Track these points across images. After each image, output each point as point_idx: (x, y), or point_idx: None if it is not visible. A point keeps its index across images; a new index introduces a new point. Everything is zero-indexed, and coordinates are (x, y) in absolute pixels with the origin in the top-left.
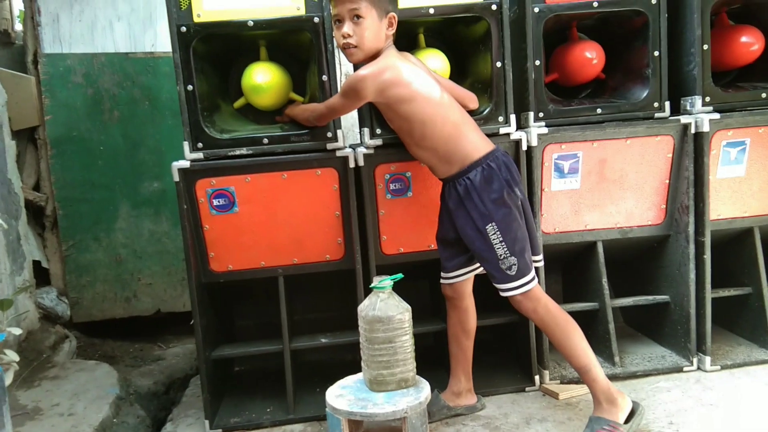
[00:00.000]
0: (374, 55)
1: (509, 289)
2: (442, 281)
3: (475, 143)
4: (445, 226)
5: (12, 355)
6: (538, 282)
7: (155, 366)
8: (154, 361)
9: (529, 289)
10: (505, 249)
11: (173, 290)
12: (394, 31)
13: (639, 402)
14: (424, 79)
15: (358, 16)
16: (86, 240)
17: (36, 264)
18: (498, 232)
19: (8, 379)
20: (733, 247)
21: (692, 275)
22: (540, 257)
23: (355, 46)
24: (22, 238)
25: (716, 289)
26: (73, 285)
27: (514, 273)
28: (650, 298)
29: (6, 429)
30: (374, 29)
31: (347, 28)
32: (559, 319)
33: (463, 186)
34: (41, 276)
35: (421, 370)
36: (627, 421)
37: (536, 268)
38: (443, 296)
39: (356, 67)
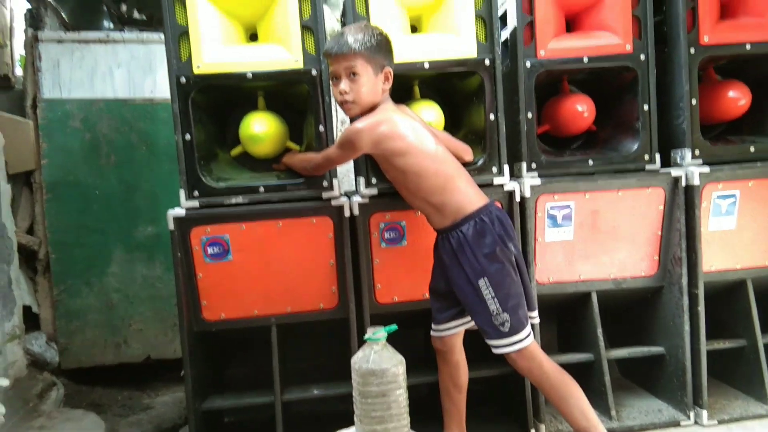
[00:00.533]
0: (371, 109)
1: (502, 346)
2: (432, 333)
3: (468, 197)
4: (438, 278)
5: None
6: (534, 338)
7: (144, 415)
8: (142, 410)
9: (523, 347)
10: (498, 305)
11: (164, 336)
12: (390, 85)
13: None
14: (419, 132)
15: (354, 74)
16: (78, 285)
17: (26, 308)
18: (490, 288)
19: None
20: (727, 299)
21: (687, 327)
22: (535, 313)
23: (353, 102)
24: (14, 283)
25: (711, 341)
26: (62, 330)
27: (507, 330)
28: (645, 349)
29: None
30: (370, 85)
31: (344, 84)
32: (554, 380)
33: (456, 239)
34: (31, 321)
35: (414, 423)
36: None
37: (532, 324)
38: None
39: (353, 119)
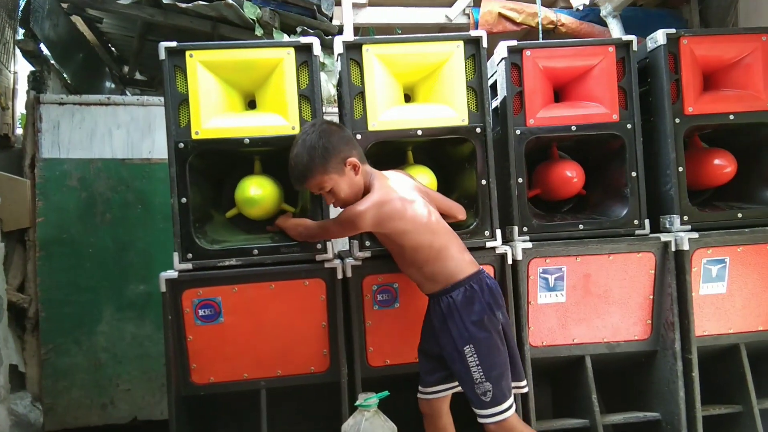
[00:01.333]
0: (357, 195)
1: (483, 416)
2: (419, 396)
3: (459, 264)
4: (428, 340)
5: None
6: (517, 407)
7: None
8: None
9: (503, 419)
10: (481, 374)
11: (151, 397)
12: (362, 167)
13: None
14: (415, 205)
15: (323, 188)
16: (67, 343)
17: (12, 367)
18: (475, 355)
19: None
20: (721, 364)
21: (682, 393)
22: (523, 383)
23: (342, 204)
24: (1, 342)
25: (707, 406)
26: (48, 390)
27: (488, 399)
28: (641, 415)
29: None
30: (345, 185)
31: (326, 198)
32: None
33: (446, 303)
34: (16, 380)
35: None
36: None
37: (521, 394)
38: None
39: None
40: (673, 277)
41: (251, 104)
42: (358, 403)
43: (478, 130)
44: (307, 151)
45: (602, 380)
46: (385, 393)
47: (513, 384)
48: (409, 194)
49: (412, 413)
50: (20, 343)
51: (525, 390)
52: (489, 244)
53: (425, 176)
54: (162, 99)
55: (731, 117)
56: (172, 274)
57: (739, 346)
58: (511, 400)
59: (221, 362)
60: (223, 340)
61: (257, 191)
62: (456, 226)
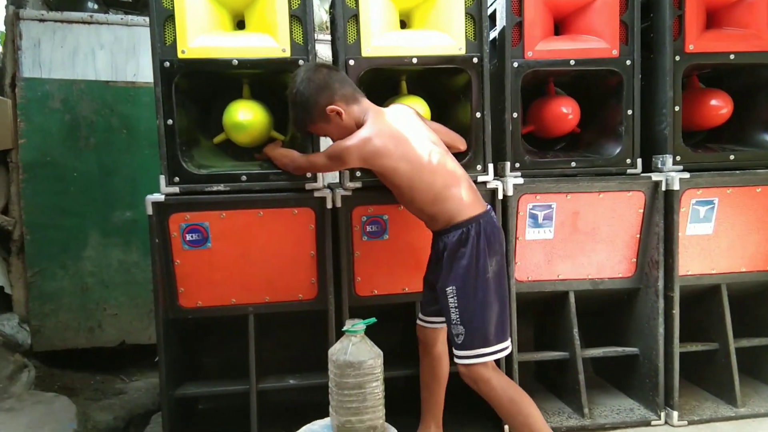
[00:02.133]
0: (354, 129)
1: (455, 356)
2: (418, 321)
3: (460, 206)
4: (431, 271)
5: None
6: (489, 358)
7: (116, 400)
8: (115, 395)
9: (469, 363)
10: (457, 316)
11: (139, 322)
12: (348, 112)
13: None
14: (409, 145)
15: (319, 134)
16: (53, 267)
17: None
18: (455, 298)
19: None
20: (702, 303)
21: (661, 329)
22: (504, 345)
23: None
24: None
25: (684, 344)
26: (35, 313)
27: (460, 342)
28: (620, 349)
29: None
30: (333, 130)
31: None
32: (502, 398)
33: (443, 243)
34: (3, 302)
35: (390, 416)
36: None
37: (503, 357)
38: (416, 340)
39: None
40: (662, 216)
41: (240, 25)
42: (345, 328)
43: (475, 60)
44: (293, 106)
45: (584, 316)
46: (372, 320)
47: (501, 344)
48: (406, 132)
49: (398, 343)
50: (5, 266)
51: (508, 350)
52: (480, 179)
53: (419, 107)
54: (147, 20)
55: (732, 57)
56: (158, 197)
57: (721, 287)
58: (486, 350)
59: (209, 287)
60: (211, 265)
61: (245, 116)
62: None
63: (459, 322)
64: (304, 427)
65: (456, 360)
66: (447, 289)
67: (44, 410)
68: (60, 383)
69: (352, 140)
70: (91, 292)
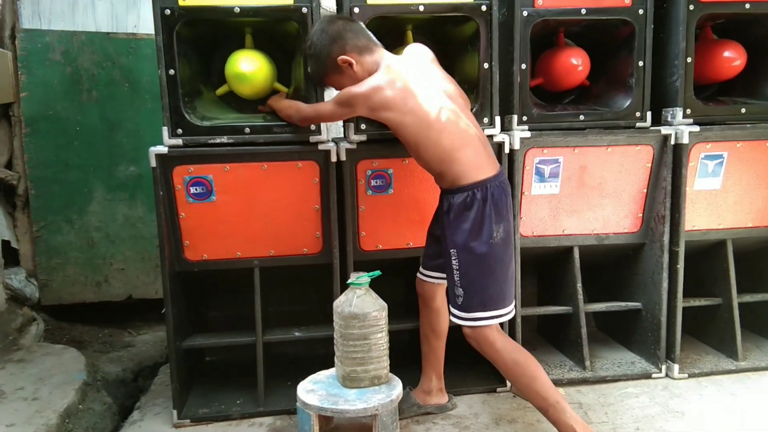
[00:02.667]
0: (368, 75)
1: (453, 315)
2: (418, 275)
3: (467, 168)
4: (435, 225)
5: None
6: (490, 322)
7: (124, 353)
8: (123, 348)
9: (468, 325)
10: (458, 278)
11: (146, 276)
12: (360, 62)
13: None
14: (417, 100)
15: (334, 88)
16: (58, 222)
17: (5, 244)
18: (457, 261)
19: None
20: (706, 258)
21: (665, 284)
22: (506, 310)
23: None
24: None
25: (687, 299)
26: (42, 267)
27: (459, 303)
28: (623, 304)
29: None
30: (347, 81)
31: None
32: (507, 361)
33: (447, 203)
34: (10, 256)
35: (394, 368)
36: None
37: (507, 321)
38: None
39: None
40: (669, 171)
41: None
42: (350, 281)
43: (484, 8)
44: (308, 58)
45: (587, 271)
46: (377, 272)
47: (503, 309)
48: (419, 84)
49: (402, 297)
50: (11, 220)
51: (511, 315)
52: (487, 132)
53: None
54: None
55: (747, 6)
56: (162, 149)
57: (726, 242)
58: (487, 313)
59: (214, 240)
60: (216, 218)
61: (248, 67)
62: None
63: (459, 284)
64: (309, 377)
65: (454, 319)
66: (450, 250)
67: (54, 361)
68: (69, 336)
69: (361, 87)
70: (98, 246)
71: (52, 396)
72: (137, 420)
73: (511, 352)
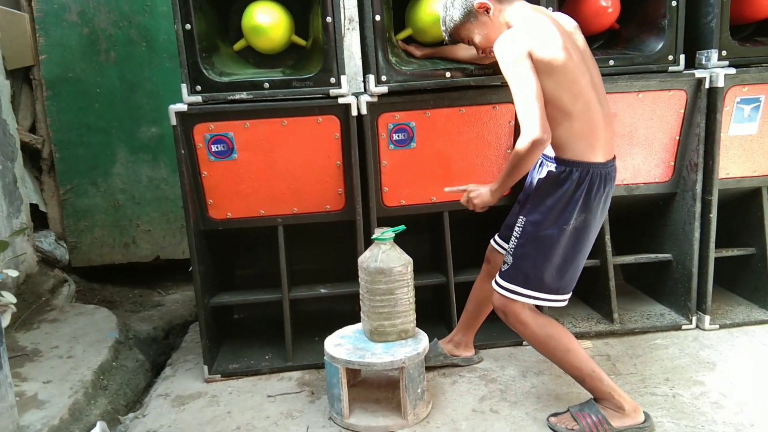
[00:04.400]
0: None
1: (495, 281)
2: (491, 241)
3: (579, 147)
4: (525, 192)
5: (9, 297)
6: (529, 304)
7: (154, 312)
8: (153, 307)
9: (502, 295)
10: (514, 246)
11: (172, 237)
12: (499, 9)
13: (651, 418)
14: (574, 49)
15: (465, 41)
16: (84, 184)
17: (33, 207)
18: (521, 229)
19: (5, 321)
20: (740, 207)
21: (697, 234)
22: (553, 297)
23: (488, 48)
24: (19, 181)
25: (720, 249)
26: (71, 229)
27: (503, 269)
28: (652, 256)
29: (3, 370)
30: (484, 31)
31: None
32: (538, 336)
33: (542, 170)
34: (39, 219)
35: (419, 323)
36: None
37: (555, 306)
38: (444, 250)
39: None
40: (703, 116)
41: None
42: (374, 236)
43: None
44: (441, 7)
45: (616, 225)
46: (402, 227)
47: (546, 294)
48: (571, 39)
49: (426, 253)
50: (38, 184)
51: (553, 304)
52: None
53: None
54: None
55: None
56: (181, 107)
57: (761, 190)
58: (523, 290)
59: (237, 199)
60: (238, 176)
61: (265, 18)
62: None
63: (512, 252)
64: (336, 332)
65: (494, 286)
66: (521, 217)
67: (86, 321)
68: (100, 297)
69: (511, 31)
70: (123, 208)
71: (86, 354)
72: (169, 375)
73: (543, 326)
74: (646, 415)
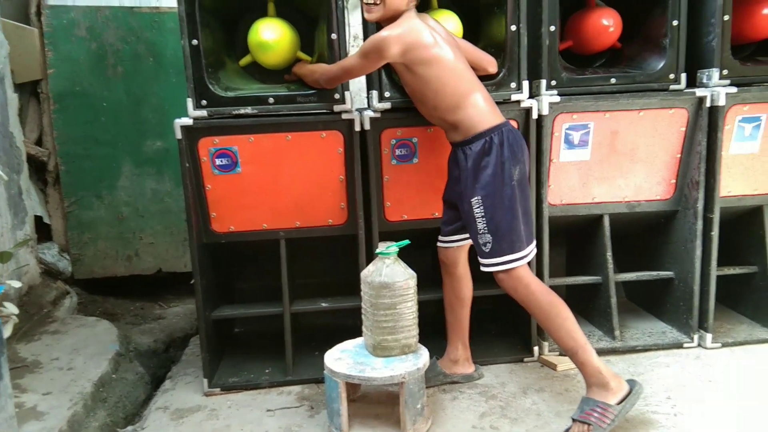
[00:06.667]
0: (392, 18)
1: (483, 264)
2: (438, 244)
3: (481, 115)
4: (450, 189)
5: (11, 308)
6: (523, 261)
7: (155, 324)
8: (154, 320)
9: (509, 268)
10: (484, 225)
11: (175, 250)
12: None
13: (636, 380)
14: (443, 45)
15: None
16: (88, 197)
17: (38, 219)
18: (481, 207)
19: (7, 332)
20: (741, 225)
21: (698, 252)
22: (531, 248)
23: (377, 3)
24: (24, 193)
25: (722, 267)
26: (74, 242)
27: (488, 250)
28: (654, 273)
29: (4, 380)
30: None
31: (366, 9)
32: (541, 301)
33: (464, 155)
34: (43, 232)
35: (420, 338)
36: (622, 401)
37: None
38: None
39: (370, 28)
40: (705, 135)
41: None
42: (378, 250)
43: None
44: None
45: (618, 242)
46: (406, 242)
47: (527, 249)
48: (435, 33)
49: (428, 268)
50: (43, 196)
51: (533, 254)
52: (514, 97)
53: (450, 21)
54: None
55: None
56: (187, 120)
57: (763, 208)
58: (519, 254)
59: (240, 212)
60: (242, 190)
61: (271, 35)
62: (482, 78)
63: (486, 231)
64: (336, 346)
65: (485, 268)
66: (472, 200)
67: (87, 333)
68: (101, 309)
69: (391, 30)
70: (127, 221)
71: (86, 366)
72: (169, 389)
73: (545, 293)
74: (630, 382)
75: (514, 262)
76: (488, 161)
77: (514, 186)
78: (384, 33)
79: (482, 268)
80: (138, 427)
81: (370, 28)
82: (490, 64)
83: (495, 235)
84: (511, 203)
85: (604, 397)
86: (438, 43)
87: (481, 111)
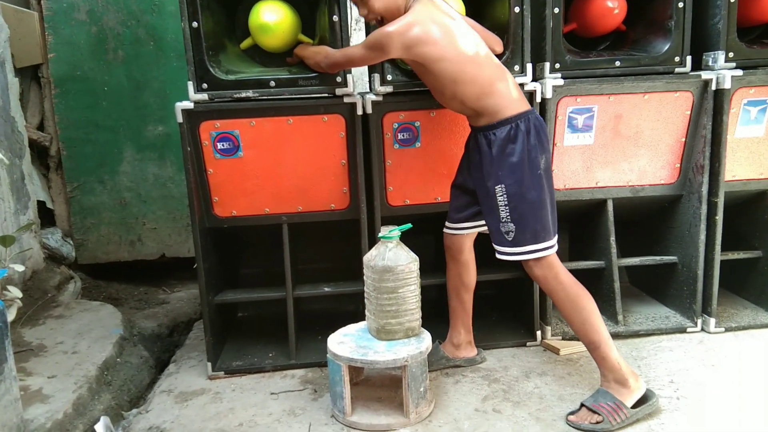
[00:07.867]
0: (393, 15)
1: (505, 253)
2: (445, 230)
3: (508, 100)
4: (464, 175)
5: (15, 292)
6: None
7: (159, 309)
8: (158, 305)
9: (539, 257)
10: (507, 214)
11: (178, 236)
12: None
13: (654, 392)
14: (454, 35)
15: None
16: (91, 182)
17: (41, 204)
18: (504, 196)
19: (11, 315)
20: (746, 210)
21: (702, 236)
22: (555, 240)
23: (368, 14)
24: (26, 177)
25: (726, 252)
26: (78, 227)
27: (510, 239)
28: (658, 258)
29: (8, 363)
30: (381, 7)
31: (359, 10)
32: (570, 293)
33: (487, 140)
34: (46, 216)
35: (423, 322)
36: (636, 405)
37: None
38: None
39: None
40: (710, 118)
41: None
42: (381, 234)
43: None
44: None
45: (621, 227)
46: (408, 225)
47: (553, 239)
48: (453, 22)
49: (430, 253)
50: (45, 181)
51: (552, 250)
52: (518, 80)
53: (453, 2)
54: None
55: None
56: (188, 104)
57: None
58: (546, 242)
59: (243, 196)
60: (244, 174)
61: (271, 17)
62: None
63: (509, 220)
64: (339, 330)
65: (505, 257)
66: (496, 187)
67: (91, 317)
68: (105, 294)
69: (396, 25)
70: (130, 206)
71: (90, 350)
72: (173, 372)
73: (573, 285)
74: (648, 391)
75: (546, 251)
76: (513, 149)
77: (541, 175)
78: (388, 28)
79: (500, 257)
80: (142, 410)
81: None
82: (497, 44)
83: (519, 224)
84: (538, 193)
85: (621, 394)
86: (449, 35)
87: (506, 98)
